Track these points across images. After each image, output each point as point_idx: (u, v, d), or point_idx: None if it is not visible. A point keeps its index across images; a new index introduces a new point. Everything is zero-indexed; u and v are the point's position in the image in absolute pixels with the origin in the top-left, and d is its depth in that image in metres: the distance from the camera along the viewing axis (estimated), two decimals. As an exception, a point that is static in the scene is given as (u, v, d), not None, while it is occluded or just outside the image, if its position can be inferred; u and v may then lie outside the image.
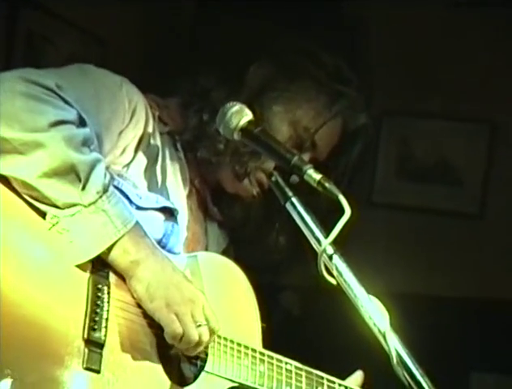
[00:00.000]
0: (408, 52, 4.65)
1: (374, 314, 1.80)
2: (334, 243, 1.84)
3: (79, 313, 1.84)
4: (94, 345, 1.83)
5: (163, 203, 2.14)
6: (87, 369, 1.82)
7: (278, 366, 2.17)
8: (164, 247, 2.09)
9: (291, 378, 2.19)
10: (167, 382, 1.97)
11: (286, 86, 2.24)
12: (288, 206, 1.93)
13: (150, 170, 2.15)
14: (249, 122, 2.00)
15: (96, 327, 1.84)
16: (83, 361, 1.81)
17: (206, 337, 1.95)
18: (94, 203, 1.85)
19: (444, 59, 4.59)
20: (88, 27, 4.01)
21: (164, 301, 1.91)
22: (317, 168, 2.19)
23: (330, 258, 1.84)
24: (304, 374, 2.22)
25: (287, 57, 2.30)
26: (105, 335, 1.85)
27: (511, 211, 4.49)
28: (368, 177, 4.70)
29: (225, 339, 2.08)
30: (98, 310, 1.86)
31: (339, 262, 1.84)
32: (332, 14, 4.51)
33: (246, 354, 2.11)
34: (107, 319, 1.86)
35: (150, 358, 1.95)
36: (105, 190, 1.87)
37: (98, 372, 1.84)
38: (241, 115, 2.00)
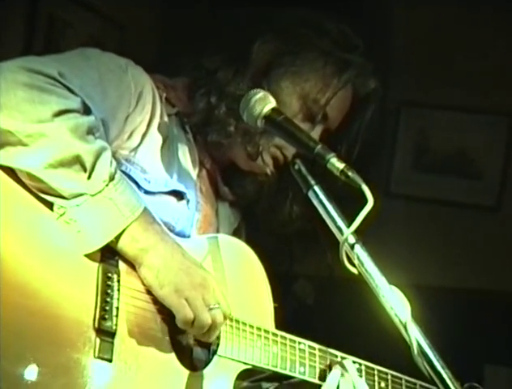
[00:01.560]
0: (427, 43, 4.62)
1: (395, 304, 1.80)
2: (356, 232, 1.84)
3: (91, 302, 1.85)
4: (105, 334, 1.84)
5: (172, 186, 2.13)
6: (99, 358, 1.82)
7: (291, 347, 2.17)
8: (174, 230, 2.09)
9: (304, 358, 2.19)
10: (180, 368, 1.98)
11: (292, 60, 2.21)
12: (311, 194, 1.93)
13: (158, 153, 2.13)
14: (273, 110, 1.99)
15: (106, 316, 1.84)
16: (94, 351, 1.82)
17: (220, 319, 1.95)
18: (100, 192, 1.84)
19: (463, 51, 4.57)
20: (107, 12, 4.02)
21: (173, 287, 1.90)
22: (329, 138, 2.19)
23: (352, 247, 1.83)
24: (317, 352, 2.22)
25: (290, 30, 2.25)
26: (116, 324, 1.86)
27: (529, 204, 4.48)
28: (385, 168, 4.69)
29: (237, 321, 2.08)
30: (108, 299, 1.86)
31: (360, 252, 1.83)
32: (352, 3, 4.49)
33: (259, 336, 2.11)
34: (117, 308, 1.87)
35: (162, 345, 1.95)
36: (112, 178, 1.86)
37: (110, 361, 1.84)
38: (264, 102, 1.99)
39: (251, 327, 2.10)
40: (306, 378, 2.19)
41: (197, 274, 1.95)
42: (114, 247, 1.89)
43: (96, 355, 1.82)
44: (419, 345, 1.75)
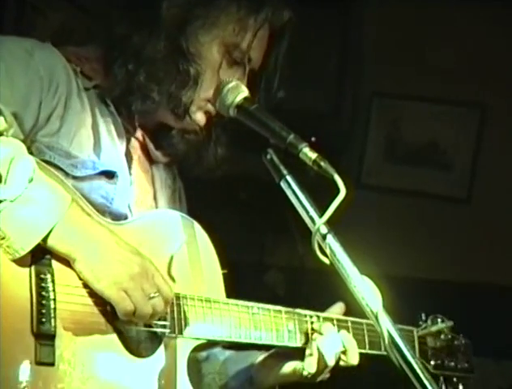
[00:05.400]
0: (400, 34, 4.64)
1: (367, 294, 1.80)
2: (328, 223, 1.84)
3: (25, 307, 1.78)
4: (44, 338, 1.78)
5: (101, 167, 2.05)
6: (41, 363, 1.77)
7: (243, 313, 2.11)
8: (110, 210, 2.04)
9: (259, 321, 2.13)
10: (129, 357, 1.93)
11: (206, 12, 2.12)
12: (283, 184, 1.91)
13: (82, 133, 2.06)
14: (245, 99, 1.98)
15: (44, 319, 1.78)
16: (35, 357, 1.76)
17: (160, 307, 1.90)
18: (19, 195, 1.77)
19: (436, 42, 4.59)
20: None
21: (111, 280, 1.85)
22: (252, 77, 2.15)
23: (324, 237, 1.83)
24: (272, 314, 2.16)
25: None
26: (55, 326, 1.80)
27: (499, 195, 4.52)
28: (357, 158, 4.70)
29: (184, 298, 2.02)
30: (44, 302, 1.79)
31: (332, 242, 1.83)
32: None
33: (209, 308, 2.06)
34: (54, 309, 1.80)
35: (106, 337, 1.89)
36: (30, 180, 1.79)
37: (52, 364, 1.79)
38: (237, 91, 1.99)
39: (200, 300, 2.05)
40: (263, 342, 2.13)
41: (134, 263, 1.89)
42: (45, 247, 1.82)
43: (38, 360, 1.76)
44: (390, 335, 1.75)
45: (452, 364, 2.42)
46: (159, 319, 1.95)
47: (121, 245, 1.90)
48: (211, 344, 2.18)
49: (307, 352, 2.15)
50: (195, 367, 2.13)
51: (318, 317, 2.23)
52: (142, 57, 2.07)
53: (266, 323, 2.14)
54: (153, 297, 1.88)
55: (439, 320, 2.43)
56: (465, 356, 2.45)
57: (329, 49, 4.73)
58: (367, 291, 1.80)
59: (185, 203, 2.36)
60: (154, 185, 2.24)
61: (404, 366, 1.75)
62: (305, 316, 2.21)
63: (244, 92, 1.98)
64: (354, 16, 4.68)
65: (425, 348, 2.38)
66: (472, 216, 4.59)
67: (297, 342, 2.17)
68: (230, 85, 2.00)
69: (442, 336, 2.43)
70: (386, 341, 1.75)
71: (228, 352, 2.29)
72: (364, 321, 2.24)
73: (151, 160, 2.24)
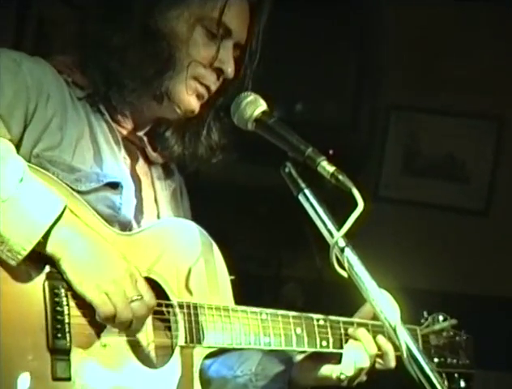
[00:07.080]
0: (418, 47, 4.65)
1: (385, 307, 1.80)
2: (346, 236, 1.84)
3: (41, 323, 1.80)
4: (60, 353, 1.80)
5: (105, 179, 2.04)
6: (58, 379, 1.78)
7: (252, 319, 2.10)
8: (118, 220, 2.04)
9: (268, 327, 2.11)
10: (142, 368, 1.93)
11: None
12: (301, 197, 1.92)
13: (82, 144, 2.05)
14: (263, 113, 1.98)
15: (59, 334, 1.80)
16: (52, 373, 1.78)
17: (141, 311, 1.88)
18: (11, 196, 1.78)
19: (453, 55, 4.59)
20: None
21: (94, 283, 1.84)
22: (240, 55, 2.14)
23: (342, 250, 1.83)
24: (280, 319, 2.14)
25: None
26: (70, 341, 1.81)
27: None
28: (375, 172, 4.70)
29: (194, 307, 2.02)
30: (59, 317, 1.81)
31: (350, 255, 1.83)
32: (343, 8, 4.50)
33: (219, 316, 2.05)
34: (69, 324, 1.82)
35: (120, 350, 1.90)
36: (20, 180, 1.80)
37: (69, 379, 1.80)
38: (255, 105, 1.98)
39: (210, 308, 2.05)
40: (273, 347, 2.12)
41: (118, 267, 1.88)
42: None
43: (54, 376, 1.78)
44: (408, 348, 1.75)
45: (454, 361, 2.42)
46: (169, 329, 1.96)
47: (108, 248, 1.90)
48: (220, 351, 2.18)
49: (343, 356, 2.17)
50: (203, 376, 2.14)
51: (325, 319, 2.22)
52: (114, 47, 2.05)
53: (275, 329, 2.13)
54: (134, 301, 1.86)
55: (441, 318, 2.43)
56: (466, 353, 2.45)
57: (346, 62, 4.75)
58: (385, 304, 1.80)
59: (186, 198, 2.35)
60: (154, 187, 2.23)
61: (423, 380, 1.75)
62: (313, 320, 2.20)
63: (262, 106, 1.98)
64: (371, 29, 4.68)
65: (428, 346, 2.38)
66: (490, 229, 4.57)
67: (305, 346, 2.17)
68: (248, 99, 2.00)
69: (444, 333, 2.43)
70: (405, 354, 1.75)
71: (262, 352, 2.28)
72: (370, 322, 2.24)
73: (149, 162, 2.24)
